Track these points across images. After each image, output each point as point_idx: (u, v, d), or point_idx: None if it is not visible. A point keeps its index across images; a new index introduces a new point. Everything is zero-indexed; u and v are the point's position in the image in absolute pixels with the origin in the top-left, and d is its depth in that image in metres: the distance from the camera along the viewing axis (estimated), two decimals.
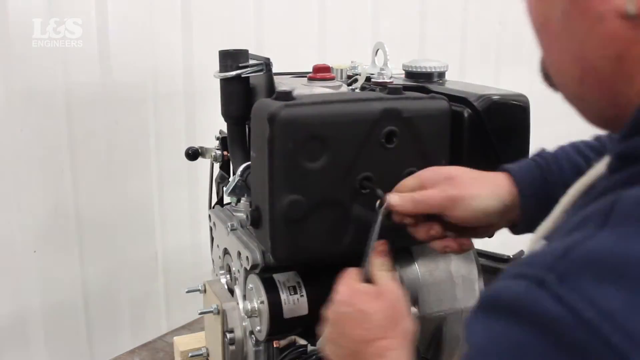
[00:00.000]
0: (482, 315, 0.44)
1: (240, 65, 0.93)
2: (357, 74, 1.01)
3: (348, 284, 0.74)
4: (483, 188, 0.77)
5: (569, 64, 0.51)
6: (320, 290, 0.89)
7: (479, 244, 1.07)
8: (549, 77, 0.55)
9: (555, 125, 1.02)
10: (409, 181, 0.80)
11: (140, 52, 1.46)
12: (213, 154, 1.08)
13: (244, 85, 0.95)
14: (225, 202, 1.10)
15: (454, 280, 0.94)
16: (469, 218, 0.76)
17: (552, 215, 0.59)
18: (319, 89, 0.93)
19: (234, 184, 0.95)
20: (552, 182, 0.78)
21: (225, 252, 1.03)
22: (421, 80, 1.03)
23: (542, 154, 0.82)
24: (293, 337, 0.89)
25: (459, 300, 0.94)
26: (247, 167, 0.93)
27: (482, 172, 0.79)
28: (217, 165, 1.11)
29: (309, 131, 0.78)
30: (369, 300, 0.71)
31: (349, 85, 0.98)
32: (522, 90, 0.94)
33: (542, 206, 0.71)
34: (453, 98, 0.88)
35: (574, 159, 0.80)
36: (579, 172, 0.66)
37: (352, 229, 0.83)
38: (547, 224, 0.60)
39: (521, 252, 1.39)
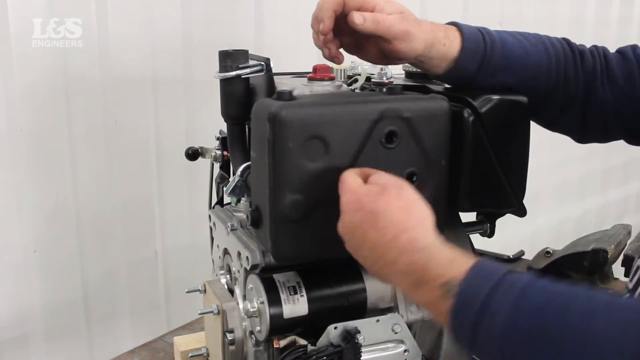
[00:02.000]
0: None
1: (240, 65, 0.93)
2: (357, 74, 1.01)
3: (350, 190, 0.74)
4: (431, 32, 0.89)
5: None
6: (320, 290, 0.89)
7: (479, 244, 1.08)
8: None
9: None
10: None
11: (141, 52, 1.46)
12: (213, 154, 1.08)
13: (243, 86, 0.95)
14: (225, 202, 1.10)
15: None
16: (407, 53, 0.87)
17: None
18: (319, 89, 0.93)
19: (234, 184, 0.95)
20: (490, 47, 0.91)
21: (225, 252, 1.03)
22: (421, 80, 1.03)
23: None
24: (293, 337, 0.89)
25: None
26: (247, 167, 0.93)
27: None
28: (217, 165, 1.11)
29: (309, 131, 0.78)
30: (375, 199, 0.71)
31: (349, 85, 0.98)
32: None
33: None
34: (453, 98, 0.88)
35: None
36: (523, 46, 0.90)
37: None
38: None
39: (521, 252, 1.40)
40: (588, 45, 0.98)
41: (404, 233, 0.69)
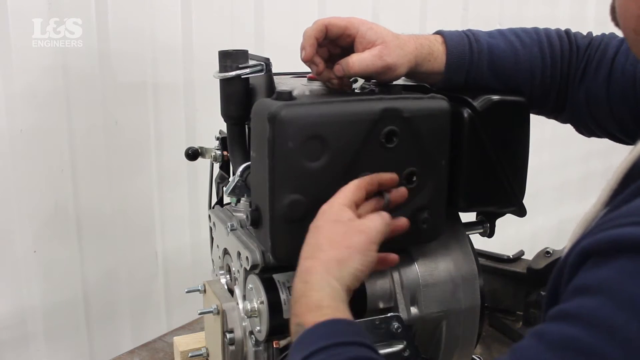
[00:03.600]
0: (604, 259, 0.47)
1: (240, 65, 0.93)
2: None
3: (340, 204, 0.76)
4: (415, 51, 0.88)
5: (633, 3, 0.59)
6: None
7: (479, 244, 1.08)
8: (615, 12, 0.63)
9: (555, 125, 1.02)
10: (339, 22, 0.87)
11: (140, 52, 1.46)
12: (213, 154, 1.08)
13: (243, 86, 0.95)
14: (225, 202, 1.10)
15: (454, 280, 0.94)
16: (391, 80, 0.90)
17: (605, 190, 0.62)
18: (319, 89, 0.93)
19: (233, 184, 0.95)
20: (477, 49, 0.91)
21: (225, 252, 1.03)
22: None
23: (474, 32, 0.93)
24: None
25: (459, 300, 0.94)
26: (247, 167, 0.93)
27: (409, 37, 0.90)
28: (217, 165, 1.11)
29: (309, 131, 0.77)
30: (330, 221, 0.74)
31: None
32: None
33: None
34: (453, 98, 0.88)
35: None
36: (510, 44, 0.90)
37: None
38: (603, 195, 0.63)
39: (521, 252, 1.40)
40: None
41: (309, 259, 0.72)
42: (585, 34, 0.96)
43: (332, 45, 0.89)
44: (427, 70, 0.91)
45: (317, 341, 0.64)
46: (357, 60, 0.85)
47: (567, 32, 0.95)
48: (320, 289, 0.70)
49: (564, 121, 0.99)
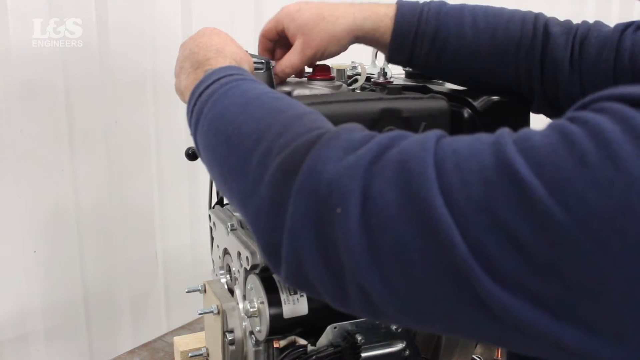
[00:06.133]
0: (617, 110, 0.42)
1: None
2: (357, 74, 1.01)
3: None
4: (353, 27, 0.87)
5: None
6: None
7: None
8: None
9: None
10: (269, 27, 0.93)
11: (141, 52, 1.46)
12: None
13: None
14: (225, 202, 1.10)
15: None
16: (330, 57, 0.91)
17: None
18: (319, 89, 0.92)
19: None
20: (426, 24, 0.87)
21: (225, 252, 1.03)
22: (421, 80, 1.03)
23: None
24: (293, 337, 0.89)
25: None
26: None
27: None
28: None
29: None
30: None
31: (349, 85, 0.98)
32: None
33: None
34: (453, 98, 0.88)
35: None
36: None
37: None
38: None
39: None
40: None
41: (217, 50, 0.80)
42: (561, 19, 0.91)
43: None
44: (373, 45, 0.91)
45: (222, 75, 0.69)
46: (287, 66, 0.89)
47: (537, 17, 0.90)
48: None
49: (536, 111, 0.93)
